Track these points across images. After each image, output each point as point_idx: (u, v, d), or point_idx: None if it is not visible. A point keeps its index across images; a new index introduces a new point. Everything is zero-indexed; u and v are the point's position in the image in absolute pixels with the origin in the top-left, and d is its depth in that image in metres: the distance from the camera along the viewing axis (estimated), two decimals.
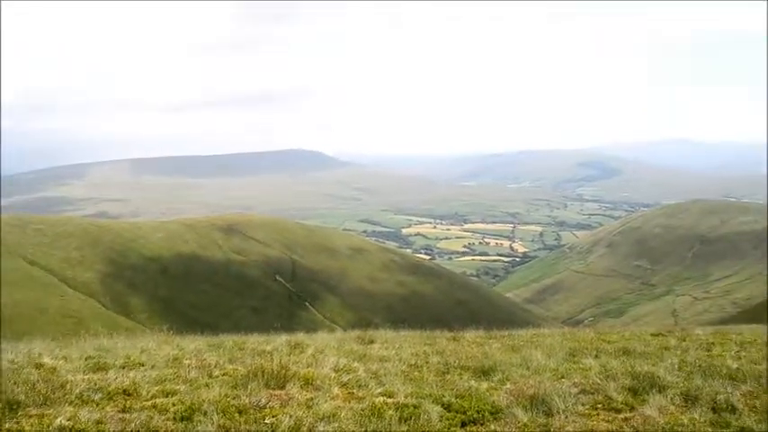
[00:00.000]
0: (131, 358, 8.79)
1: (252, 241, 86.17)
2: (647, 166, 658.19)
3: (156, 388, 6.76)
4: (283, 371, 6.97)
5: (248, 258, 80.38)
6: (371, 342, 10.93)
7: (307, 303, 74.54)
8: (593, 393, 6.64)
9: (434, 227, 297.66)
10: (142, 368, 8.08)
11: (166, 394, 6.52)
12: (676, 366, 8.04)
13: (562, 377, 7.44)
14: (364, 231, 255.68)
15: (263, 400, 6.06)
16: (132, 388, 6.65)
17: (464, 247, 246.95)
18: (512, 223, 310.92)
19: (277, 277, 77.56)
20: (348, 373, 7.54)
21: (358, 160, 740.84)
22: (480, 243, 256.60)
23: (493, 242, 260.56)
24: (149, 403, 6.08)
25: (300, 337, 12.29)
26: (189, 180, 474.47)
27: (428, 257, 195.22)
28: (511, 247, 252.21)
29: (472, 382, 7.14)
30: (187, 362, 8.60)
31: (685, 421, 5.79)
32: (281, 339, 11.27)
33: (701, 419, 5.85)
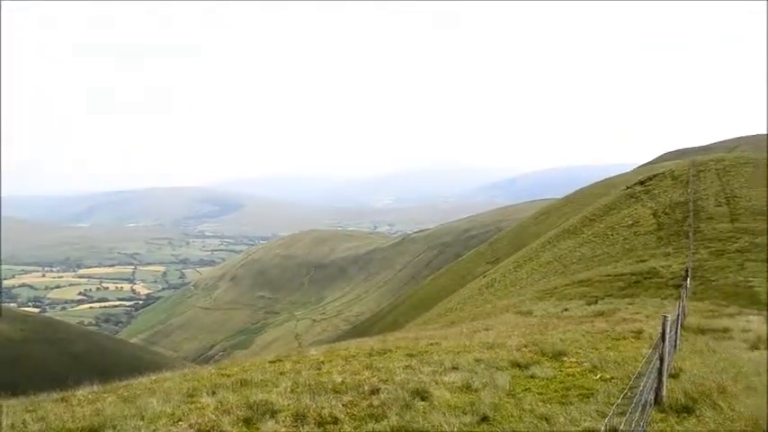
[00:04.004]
0: None
1: None
2: (268, 200, 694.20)
3: None
4: None
5: None
6: None
7: None
8: (208, 431, 6.62)
9: (43, 275, 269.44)
10: None
11: None
12: (289, 389, 8.50)
13: (179, 420, 7.27)
14: None
15: None
16: None
17: (79, 294, 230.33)
18: (132, 265, 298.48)
19: None
20: None
21: None
22: (98, 289, 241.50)
23: (112, 286, 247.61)
24: None
25: None
26: None
27: (37, 310, 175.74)
28: (133, 290, 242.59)
29: None
30: None
31: None
32: None
33: None
